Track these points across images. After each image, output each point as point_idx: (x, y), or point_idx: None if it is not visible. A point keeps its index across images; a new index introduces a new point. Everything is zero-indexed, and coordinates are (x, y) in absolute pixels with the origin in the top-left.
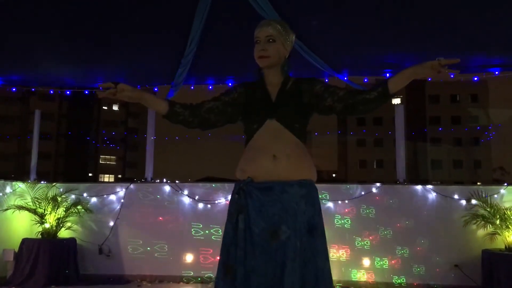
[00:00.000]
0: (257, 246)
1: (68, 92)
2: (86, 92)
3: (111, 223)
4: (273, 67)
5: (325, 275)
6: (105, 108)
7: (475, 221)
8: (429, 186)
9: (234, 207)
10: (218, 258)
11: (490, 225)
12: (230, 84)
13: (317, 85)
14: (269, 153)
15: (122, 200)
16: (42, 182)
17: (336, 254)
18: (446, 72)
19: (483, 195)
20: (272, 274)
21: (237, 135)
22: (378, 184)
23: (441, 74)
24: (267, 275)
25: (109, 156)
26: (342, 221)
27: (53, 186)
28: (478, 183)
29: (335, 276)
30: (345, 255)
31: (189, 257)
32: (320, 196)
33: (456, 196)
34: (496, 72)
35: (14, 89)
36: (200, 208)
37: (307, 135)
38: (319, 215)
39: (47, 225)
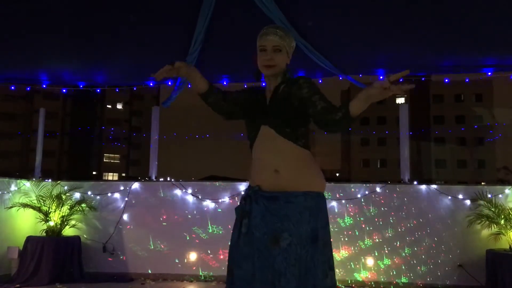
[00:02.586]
0: (256, 251)
1: (72, 90)
2: (90, 90)
3: (115, 221)
4: (276, 75)
5: (325, 286)
6: (109, 106)
7: (479, 221)
8: (433, 186)
9: (239, 212)
10: (222, 257)
11: (495, 225)
12: (234, 83)
13: (304, 89)
14: (271, 167)
15: (126, 199)
16: (47, 180)
17: (340, 253)
18: (397, 87)
19: (488, 195)
20: (270, 280)
21: (240, 133)
22: (382, 184)
23: (390, 90)
24: (266, 281)
25: (113, 155)
26: (346, 221)
27: (57, 184)
28: (483, 183)
29: (338, 276)
30: (348, 255)
31: (192, 256)
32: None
33: (460, 196)
34: (502, 72)
35: (19, 87)
36: (204, 207)
37: (310, 134)
38: (324, 228)
39: (51, 223)
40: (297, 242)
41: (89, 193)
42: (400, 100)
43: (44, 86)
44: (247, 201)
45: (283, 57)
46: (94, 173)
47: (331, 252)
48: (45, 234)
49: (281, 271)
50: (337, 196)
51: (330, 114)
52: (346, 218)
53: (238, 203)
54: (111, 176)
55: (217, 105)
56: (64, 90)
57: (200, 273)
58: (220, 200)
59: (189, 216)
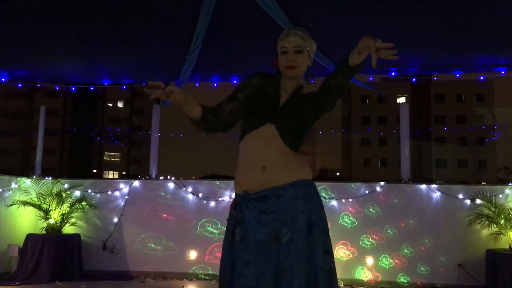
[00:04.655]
0: (260, 253)
1: (73, 88)
2: (91, 88)
3: (115, 220)
4: (297, 77)
5: (326, 273)
6: (110, 104)
7: (479, 221)
8: (434, 186)
9: (231, 221)
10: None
11: (495, 225)
12: (235, 82)
13: (316, 92)
14: (258, 164)
15: (127, 197)
16: (47, 178)
17: (340, 252)
18: (376, 54)
19: (488, 195)
20: (277, 278)
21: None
22: (382, 183)
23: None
24: (272, 280)
25: (113, 153)
26: (346, 220)
27: (58, 182)
28: (483, 183)
29: (338, 274)
30: (349, 254)
31: (192, 254)
32: (324, 194)
33: (460, 196)
34: (502, 72)
35: (19, 85)
36: (204, 205)
37: (311, 134)
38: (318, 213)
39: (51, 221)
40: (297, 236)
41: (90, 191)
42: (401, 100)
43: (45, 84)
44: (237, 209)
45: (305, 58)
46: (94, 171)
47: (328, 237)
48: (45, 232)
49: (286, 266)
50: (338, 195)
51: (332, 72)
52: (346, 217)
53: (228, 215)
54: (112, 174)
55: (210, 129)
56: (65, 88)
57: (200, 272)
58: (220, 199)
59: (189, 215)
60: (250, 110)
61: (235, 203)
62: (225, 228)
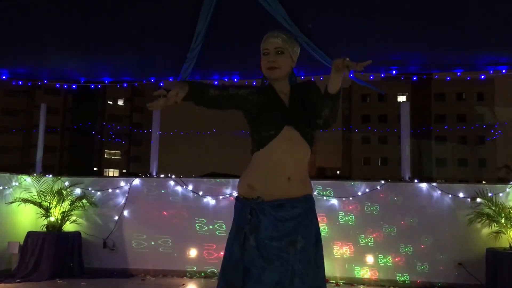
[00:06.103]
0: (277, 260)
1: (74, 86)
2: (92, 86)
3: (116, 217)
4: (281, 78)
5: (325, 282)
6: (110, 102)
7: (479, 220)
8: (434, 184)
9: (247, 226)
10: (222, 253)
11: (495, 224)
12: (235, 80)
13: (313, 88)
14: (285, 174)
15: (127, 195)
16: (48, 175)
17: (340, 251)
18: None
19: (488, 194)
20: (290, 282)
21: (242, 130)
22: (382, 182)
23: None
24: (288, 285)
25: (113, 151)
26: (347, 218)
27: (58, 179)
28: (483, 182)
29: (338, 272)
30: (349, 252)
31: (192, 252)
32: (324, 193)
33: (461, 195)
34: (503, 71)
35: (20, 83)
36: (204, 203)
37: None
38: (319, 227)
39: (52, 219)
40: (309, 243)
41: (90, 189)
42: (402, 98)
43: (45, 81)
44: (253, 215)
45: (287, 59)
46: (95, 169)
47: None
48: (45, 229)
49: (296, 272)
50: (339, 193)
51: (319, 105)
52: (347, 215)
53: (237, 216)
54: (112, 172)
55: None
56: (65, 86)
57: (200, 269)
58: (220, 197)
59: (190, 213)
60: (261, 123)
61: (250, 209)
62: (231, 229)
